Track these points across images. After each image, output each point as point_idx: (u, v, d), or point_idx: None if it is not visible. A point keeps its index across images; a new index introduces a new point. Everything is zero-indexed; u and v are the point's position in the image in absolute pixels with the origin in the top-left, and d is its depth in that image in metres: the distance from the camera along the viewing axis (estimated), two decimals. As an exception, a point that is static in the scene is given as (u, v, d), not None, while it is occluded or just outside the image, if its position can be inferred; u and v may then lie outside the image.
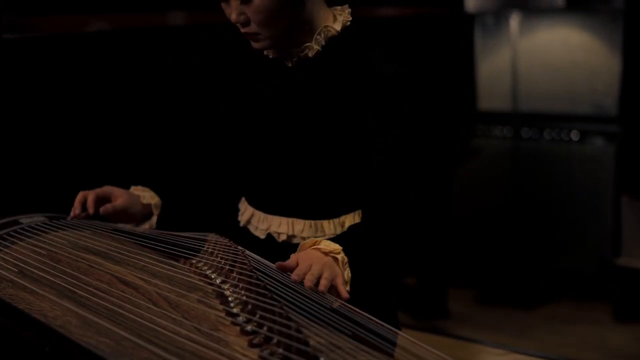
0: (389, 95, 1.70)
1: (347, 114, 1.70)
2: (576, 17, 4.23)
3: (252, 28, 1.67)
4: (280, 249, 1.76)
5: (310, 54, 1.73)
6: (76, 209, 1.84)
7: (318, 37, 1.72)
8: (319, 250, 1.54)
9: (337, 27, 1.73)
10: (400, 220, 1.70)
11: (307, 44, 1.72)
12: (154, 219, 1.88)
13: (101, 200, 1.84)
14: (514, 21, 4.27)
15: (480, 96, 4.55)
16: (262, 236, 1.81)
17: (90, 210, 1.83)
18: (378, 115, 1.69)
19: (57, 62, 2.31)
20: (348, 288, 1.52)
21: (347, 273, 1.54)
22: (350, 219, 1.76)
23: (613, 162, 4.14)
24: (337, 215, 1.76)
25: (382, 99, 1.69)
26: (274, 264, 1.57)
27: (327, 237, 1.71)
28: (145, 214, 1.89)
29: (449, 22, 4.52)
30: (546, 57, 4.34)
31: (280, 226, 1.78)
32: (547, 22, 4.32)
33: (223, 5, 1.69)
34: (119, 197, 1.85)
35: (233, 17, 1.66)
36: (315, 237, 1.69)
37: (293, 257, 1.54)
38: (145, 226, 1.88)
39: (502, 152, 4.43)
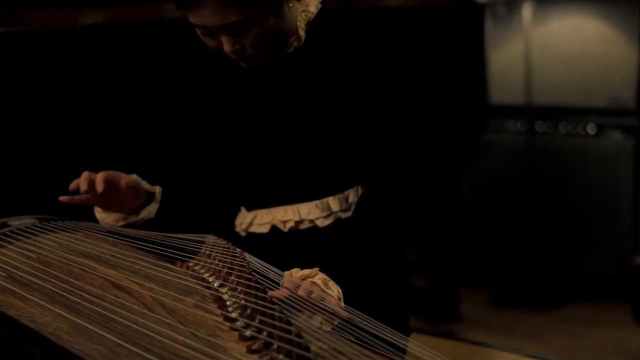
0: (384, 66, 1.74)
1: (342, 92, 1.74)
2: (591, 5, 4.21)
3: (247, 53, 1.68)
4: (286, 239, 1.81)
5: (297, 44, 1.76)
6: (82, 185, 1.75)
7: (299, 24, 1.75)
8: (297, 277, 1.55)
9: (312, 9, 1.77)
10: (405, 198, 1.74)
11: (293, 37, 1.75)
12: (154, 206, 1.86)
13: (109, 182, 1.77)
14: (527, 10, 4.26)
15: (491, 89, 4.53)
16: (266, 230, 1.83)
17: (99, 188, 1.73)
18: (375, 88, 1.73)
19: (49, 57, 2.31)
20: (342, 304, 1.53)
21: (337, 289, 1.55)
22: (354, 193, 1.80)
23: (631, 157, 4.12)
24: (342, 191, 1.80)
25: (377, 70, 1.73)
26: (280, 256, 1.60)
27: (334, 214, 1.78)
28: (143, 201, 1.86)
29: (459, 12, 4.50)
30: (560, 47, 4.33)
31: (285, 214, 1.81)
32: (561, 11, 4.31)
33: (206, 39, 1.69)
34: (129, 176, 1.81)
35: (227, 48, 1.66)
36: (323, 216, 1.78)
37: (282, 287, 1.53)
38: (143, 214, 1.86)
39: (515, 147, 4.42)
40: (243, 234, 1.90)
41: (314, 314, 1.43)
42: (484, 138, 4.45)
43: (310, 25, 1.77)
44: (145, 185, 1.86)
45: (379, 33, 1.77)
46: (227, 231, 1.91)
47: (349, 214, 1.79)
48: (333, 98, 1.74)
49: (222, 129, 1.89)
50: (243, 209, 1.92)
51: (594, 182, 4.24)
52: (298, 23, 1.75)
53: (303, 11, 1.76)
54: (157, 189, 1.87)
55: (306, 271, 1.56)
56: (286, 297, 1.44)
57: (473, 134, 4.37)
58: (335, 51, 1.75)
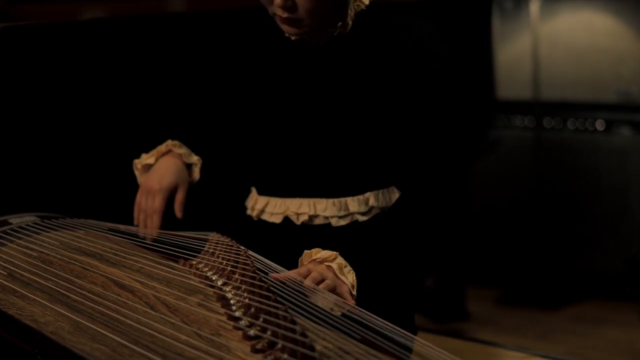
0: (429, 71, 1.74)
1: (379, 90, 1.73)
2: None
3: (298, 14, 1.66)
4: (298, 232, 1.80)
5: (341, 31, 1.75)
6: (155, 221, 1.84)
7: (350, 12, 1.75)
8: (315, 261, 1.58)
9: (365, 0, 1.78)
10: (436, 203, 1.78)
11: (341, 23, 1.74)
12: (196, 173, 1.92)
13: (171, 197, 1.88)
14: (535, 4, 4.25)
15: (499, 84, 4.53)
16: (278, 221, 1.83)
17: (179, 215, 1.86)
18: (416, 91, 1.73)
19: (49, 53, 2.31)
20: (355, 292, 1.54)
21: (352, 277, 1.56)
22: (375, 197, 1.79)
23: (641, 153, 4.12)
24: (362, 192, 1.78)
25: (421, 75, 1.73)
26: (290, 250, 1.61)
27: (351, 214, 1.78)
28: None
29: (465, 6, 4.50)
30: (569, 42, 4.32)
31: (300, 207, 1.80)
32: (570, 5, 4.30)
33: None
34: (179, 183, 1.88)
35: (278, 0, 1.64)
36: (339, 216, 1.76)
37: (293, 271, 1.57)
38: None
39: (523, 144, 4.41)
40: (255, 218, 1.89)
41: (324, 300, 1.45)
42: (492, 134, 4.44)
43: (359, 16, 1.76)
44: (185, 156, 1.91)
45: (427, 34, 1.76)
46: (237, 212, 1.92)
47: (367, 217, 1.78)
48: (368, 93, 1.73)
49: (251, 111, 1.88)
50: (254, 191, 1.91)
51: (603, 179, 4.23)
52: (349, 11, 1.74)
53: (355, 1, 1.76)
54: (195, 161, 1.92)
55: (326, 253, 1.57)
56: (291, 279, 1.45)
57: (480, 131, 4.36)
58: (378, 46, 1.74)
